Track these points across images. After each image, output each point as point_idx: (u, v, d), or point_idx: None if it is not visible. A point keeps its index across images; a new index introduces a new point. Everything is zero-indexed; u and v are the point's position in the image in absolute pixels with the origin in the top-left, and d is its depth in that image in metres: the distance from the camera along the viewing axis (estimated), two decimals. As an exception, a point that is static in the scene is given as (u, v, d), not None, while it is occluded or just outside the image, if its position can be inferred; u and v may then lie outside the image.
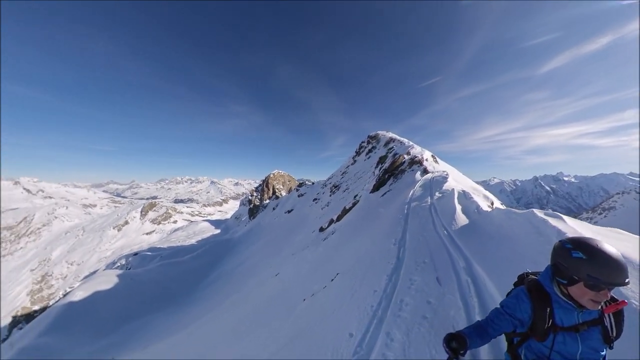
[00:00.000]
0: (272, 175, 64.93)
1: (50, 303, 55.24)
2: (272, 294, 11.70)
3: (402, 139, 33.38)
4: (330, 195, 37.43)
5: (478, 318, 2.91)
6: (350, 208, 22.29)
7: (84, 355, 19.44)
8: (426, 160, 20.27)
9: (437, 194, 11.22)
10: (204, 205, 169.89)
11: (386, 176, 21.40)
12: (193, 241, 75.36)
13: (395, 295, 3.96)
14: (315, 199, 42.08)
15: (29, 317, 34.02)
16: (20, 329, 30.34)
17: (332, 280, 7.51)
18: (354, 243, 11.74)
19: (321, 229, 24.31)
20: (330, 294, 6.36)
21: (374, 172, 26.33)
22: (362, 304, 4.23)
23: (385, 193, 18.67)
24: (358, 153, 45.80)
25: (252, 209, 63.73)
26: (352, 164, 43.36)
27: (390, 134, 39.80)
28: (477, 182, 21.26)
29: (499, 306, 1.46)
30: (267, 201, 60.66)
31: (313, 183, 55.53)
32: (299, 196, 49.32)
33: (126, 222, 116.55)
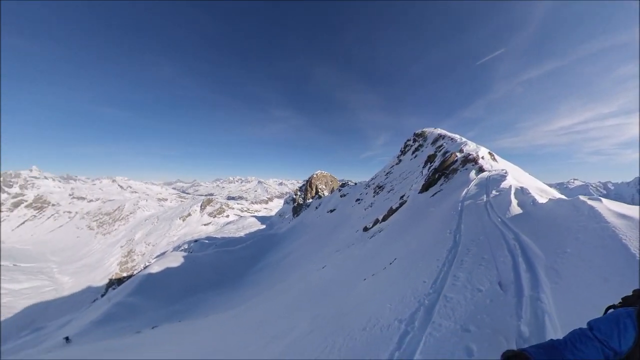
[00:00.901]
0: (315, 176, 66.92)
1: (134, 272, 67.23)
2: (325, 280, 12.36)
3: (453, 135, 30.95)
4: (374, 196, 36.88)
5: (521, 260, 3.74)
6: (397, 208, 21.74)
7: (159, 316, 23.33)
8: (482, 158, 18.56)
9: (493, 192, 10.66)
10: (252, 202, 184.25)
11: (436, 176, 20.29)
12: (242, 234, 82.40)
13: (457, 259, 4.83)
14: (358, 200, 41.96)
15: (119, 281, 42.01)
16: (114, 289, 37.70)
17: (390, 264, 7.91)
18: (404, 239, 11.71)
19: (365, 229, 24.28)
20: (393, 270, 7.01)
21: (421, 172, 25.16)
22: (428, 268, 5.04)
23: (435, 193, 17.79)
24: (403, 152, 44.02)
25: (296, 208, 66.56)
26: (396, 164, 41.94)
27: (439, 131, 37.20)
28: (551, 185, 18.52)
29: (585, 327, 1.08)
30: (310, 200, 62.71)
31: (355, 184, 55.32)
32: (341, 196, 49.77)
33: (189, 214, 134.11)
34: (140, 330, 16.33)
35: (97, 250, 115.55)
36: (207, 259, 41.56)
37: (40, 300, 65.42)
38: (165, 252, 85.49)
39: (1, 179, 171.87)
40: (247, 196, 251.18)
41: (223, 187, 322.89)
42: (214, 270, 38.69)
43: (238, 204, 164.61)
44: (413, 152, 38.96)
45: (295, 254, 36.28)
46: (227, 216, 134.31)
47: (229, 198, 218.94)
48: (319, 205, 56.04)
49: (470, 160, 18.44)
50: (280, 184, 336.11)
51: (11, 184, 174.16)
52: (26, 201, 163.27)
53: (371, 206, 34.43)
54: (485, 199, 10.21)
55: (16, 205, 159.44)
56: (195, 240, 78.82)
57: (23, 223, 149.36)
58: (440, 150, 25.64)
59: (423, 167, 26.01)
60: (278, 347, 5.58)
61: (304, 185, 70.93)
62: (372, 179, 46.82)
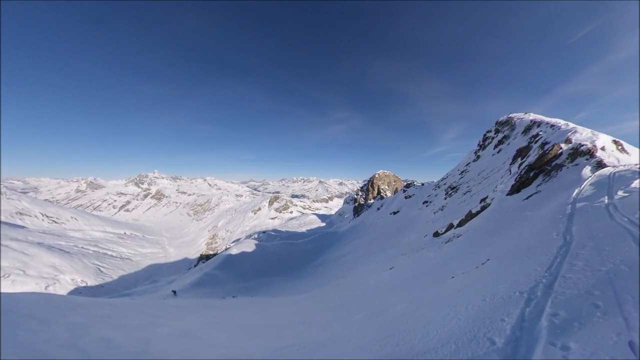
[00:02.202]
0: (377, 176, 64.82)
1: (217, 251, 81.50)
2: (399, 278, 11.95)
3: (553, 120, 24.31)
4: (446, 198, 33.16)
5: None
6: (478, 212, 18.95)
7: (235, 289, 27.19)
8: (601, 149, 14.30)
9: (619, 193, 8.34)
10: (313, 201, 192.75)
11: (531, 174, 16.77)
12: (304, 229, 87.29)
13: (570, 252, 4.42)
14: (425, 202, 38.56)
15: (207, 257, 50.96)
16: (203, 262, 46.28)
17: (482, 264, 7.27)
18: (494, 242, 10.34)
19: (436, 234, 22.06)
20: (491, 267, 6.54)
21: (509, 170, 21.19)
22: (537, 261, 4.71)
23: (530, 196, 14.76)
24: (482, 146, 37.74)
25: (357, 208, 66.16)
26: (474, 161, 36.40)
27: (532, 116, 29.89)
28: None
29: None
30: (372, 201, 61.21)
31: (423, 184, 50.74)
32: (406, 198, 46.71)
33: (259, 209, 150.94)
34: (224, 297, 19.43)
35: (192, 232, 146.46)
36: (274, 249, 45.74)
37: (156, 262, 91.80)
38: (240, 239, 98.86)
39: (135, 177, 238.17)
40: (309, 195, 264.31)
41: (288, 186, 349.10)
42: (279, 259, 42.32)
43: (301, 201, 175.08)
44: (496, 146, 33.02)
45: (355, 253, 36.10)
46: (291, 212, 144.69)
47: (293, 196, 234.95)
48: (381, 206, 54.11)
49: (582, 153, 14.52)
50: (340, 183, 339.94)
51: (143, 181, 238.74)
52: (151, 193, 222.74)
53: (442, 210, 31.10)
54: (606, 200, 8.08)
55: (145, 196, 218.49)
56: (264, 232, 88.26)
57: (149, 209, 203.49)
58: (536, 141, 20.94)
59: (511, 164, 21.84)
60: (387, 317, 5.75)
61: (365, 185, 69.80)
62: (443, 178, 42.13)
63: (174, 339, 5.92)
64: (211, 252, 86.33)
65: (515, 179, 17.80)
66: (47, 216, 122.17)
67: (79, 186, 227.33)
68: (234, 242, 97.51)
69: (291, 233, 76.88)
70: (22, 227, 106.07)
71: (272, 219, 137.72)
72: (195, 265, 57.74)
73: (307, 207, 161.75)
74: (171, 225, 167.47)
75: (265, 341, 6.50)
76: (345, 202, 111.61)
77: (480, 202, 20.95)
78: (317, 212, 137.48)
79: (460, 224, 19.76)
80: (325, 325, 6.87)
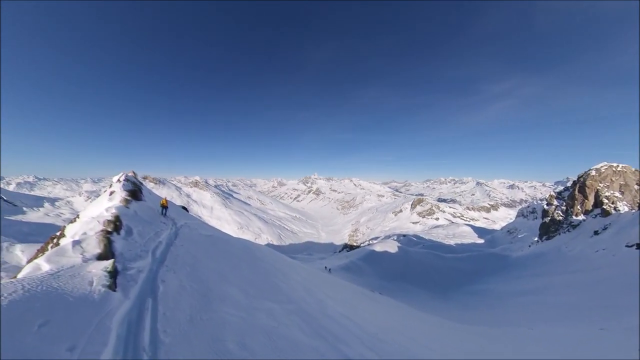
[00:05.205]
0: (592, 174, 40.62)
1: (359, 244, 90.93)
2: None
3: None
4: None
5: None
6: None
7: (374, 284, 27.34)
8: None
9: None
10: (467, 208, 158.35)
11: None
12: (452, 242, 73.64)
13: None
14: None
15: (351, 247, 56.39)
16: (347, 250, 51.74)
17: None
18: None
19: None
20: None
21: None
22: None
23: None
24: None
25: (546, 225, 45.78)
26: None
27: None
28: None
29: None
30: (580, 217, 39.61)
31: None
32: (675, 222, 25.59)
33: (400, 211, 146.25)
34: (373, 290, 19.71)
35: (339, 223, 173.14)
36: (418, 257, 41.63)
37: (311, 240, 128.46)
38: (379, 237, 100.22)
39: (303, 178, 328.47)
40: (460, 200, 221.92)
41: (433, 188, 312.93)
42: (423, 270, 37.85)
43: (450, 207, 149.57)
44: None
45: (544, 296, 24.48)
46: (437, 219, 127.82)
47: (440, 200, 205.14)
48: (605, 227, 33.70)
49: None
50: (511, 186, 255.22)
51: (307, 181, 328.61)
52: (312, 190, 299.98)
53: None
54: None
55: (308, 192, 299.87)
56: (404, 235, 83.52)
57: (310, 201, 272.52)
58: None
59: None
60: None
61: (567, 189, 46.47)
62: None
63: (389, 332, 6.14)
64: (353, 244, 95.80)
65: None
66: (259, 200, 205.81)
67: (273, 184, 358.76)
68: (372, 238, 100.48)
69: (436, 243, 67.17)
70: (248, 204, 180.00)
71: (413, 223, 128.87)
72: (340, 251, 65.80)
73: (459, 214, 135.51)
74: (324, 215, 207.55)
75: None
76: (521, 214, 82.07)
77: None
78: (472, 222, 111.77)
79: None
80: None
